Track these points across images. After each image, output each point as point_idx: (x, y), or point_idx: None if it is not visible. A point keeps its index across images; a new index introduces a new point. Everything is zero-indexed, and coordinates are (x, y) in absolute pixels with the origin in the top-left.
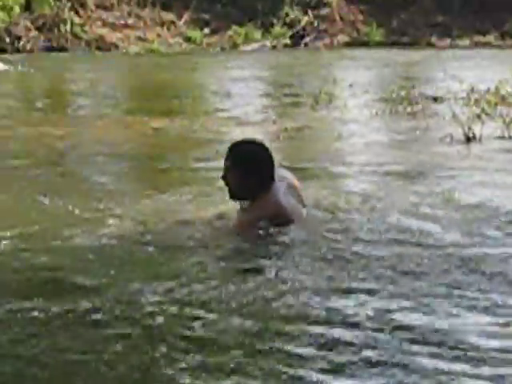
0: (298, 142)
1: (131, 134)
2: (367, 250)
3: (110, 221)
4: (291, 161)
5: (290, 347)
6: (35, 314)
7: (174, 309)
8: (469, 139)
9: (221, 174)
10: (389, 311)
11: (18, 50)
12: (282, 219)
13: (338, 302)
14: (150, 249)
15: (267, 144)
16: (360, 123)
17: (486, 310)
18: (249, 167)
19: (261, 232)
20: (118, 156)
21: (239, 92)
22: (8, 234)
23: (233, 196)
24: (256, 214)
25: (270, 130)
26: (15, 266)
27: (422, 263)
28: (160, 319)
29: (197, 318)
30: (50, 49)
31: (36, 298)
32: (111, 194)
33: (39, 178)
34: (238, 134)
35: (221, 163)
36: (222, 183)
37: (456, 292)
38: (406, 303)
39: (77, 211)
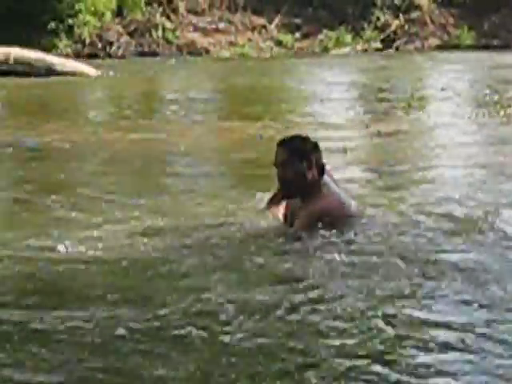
0: (391, 146)
1: (232, 139)
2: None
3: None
4: (384, 164)
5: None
6: (60, 326)
7: (203, 321)
8: None
9: (278, 173)
10: None
11: (109, 56)
12: (344, 215)
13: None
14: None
15: (363, 147)
16: (453, 127)
17: None
18: (308, 161)
19: (324, 231)
20: (220, 162)
21: (331, 96)
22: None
23: (289, 194)
24: (318, 211)
25: (363, 134)
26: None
27: None
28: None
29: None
30: (141, 54)
31: (59, 307)
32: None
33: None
34: (332, 137)
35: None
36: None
37: None
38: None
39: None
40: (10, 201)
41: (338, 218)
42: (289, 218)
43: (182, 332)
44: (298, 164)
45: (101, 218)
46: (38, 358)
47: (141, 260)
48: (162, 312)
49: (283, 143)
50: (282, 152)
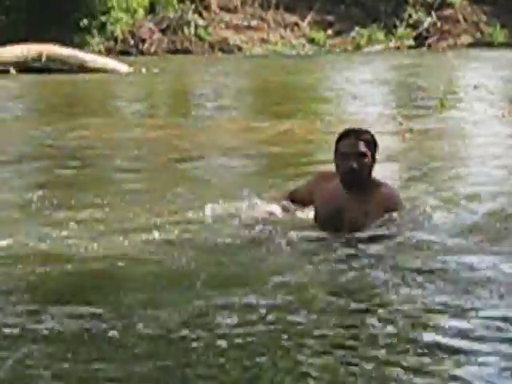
0: (424, 144)
1: (262, 135)
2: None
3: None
4: (417, 162)
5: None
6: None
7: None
8: None
9: (352, 164)
10: None
11: (142, 53)
12: (401, 210)
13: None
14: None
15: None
16: (486, 125)
17: None
18: (375, 152)
19: (391, 227)
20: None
21: (364, 93)
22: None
23: (361, 185)
24: (397, 194)
25: (396, 131)
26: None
27: None
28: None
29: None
30: (173, 51)
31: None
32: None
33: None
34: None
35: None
36: None
37: None
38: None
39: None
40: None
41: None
42: (342, 213)
43: (175, 332)
44: (372, 156)
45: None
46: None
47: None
48: (165, 313)
49: (360, 134)
50: (360, 143)
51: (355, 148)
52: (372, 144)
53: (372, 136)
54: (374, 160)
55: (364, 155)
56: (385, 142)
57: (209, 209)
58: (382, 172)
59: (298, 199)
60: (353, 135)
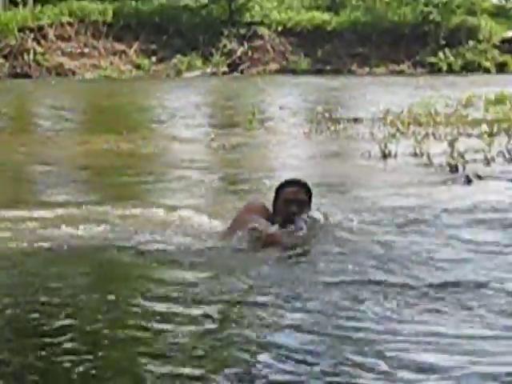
0: (233, 157)
1: (87, 150)
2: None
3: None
4: (228, 172)
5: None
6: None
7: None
8: (385, 155)
9: (294, 209)
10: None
11: None
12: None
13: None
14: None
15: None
16: (289, 141)
17: None
18: (311, 199)
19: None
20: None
21: (184, 113)
22: None
23: (289, 223)
24: (299, 238)
25: (210, 147)
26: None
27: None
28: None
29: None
30: (14, 75)
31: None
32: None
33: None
34: (184, 150)
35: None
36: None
37: None
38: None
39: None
40: None
41: None
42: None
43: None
44: (309, 203)
45: None
46: None
47: None
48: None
49: (303, 185)
50: (304, 193)
51: (297, 195)
52: (309, 193)
53: (309, 186)
54: (309, 205)
55: (304, 203)
56: (200, 156)
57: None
58: (200, 180)
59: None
60: (295, 185)
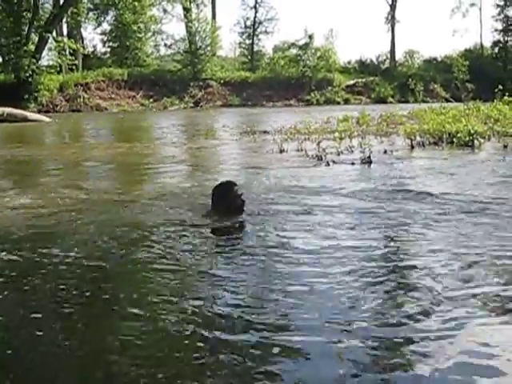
0: (198, 153)
1: (115, 152)
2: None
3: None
4: (195, 162)
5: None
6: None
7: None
8: (281, 151)
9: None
10: None
11: (55, 111)
12: None
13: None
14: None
15: (185, 154)
16: (228, 144)
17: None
18: None
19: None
20: None
21: (168, 130)
22: None
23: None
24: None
25: (184, 148)
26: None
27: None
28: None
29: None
30: (72, 111)
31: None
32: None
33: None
34: (169, 150)
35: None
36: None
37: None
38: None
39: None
40: None
41: None
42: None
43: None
44: None
45: None
46: None
47: None
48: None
49: (235, 185)
50: (236, 190)
51: (235, 192)
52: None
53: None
54: None
55: (238, 197)
56: (179, 153)
57: None
58: (181, 166)
59: None
60: (235, 185)
